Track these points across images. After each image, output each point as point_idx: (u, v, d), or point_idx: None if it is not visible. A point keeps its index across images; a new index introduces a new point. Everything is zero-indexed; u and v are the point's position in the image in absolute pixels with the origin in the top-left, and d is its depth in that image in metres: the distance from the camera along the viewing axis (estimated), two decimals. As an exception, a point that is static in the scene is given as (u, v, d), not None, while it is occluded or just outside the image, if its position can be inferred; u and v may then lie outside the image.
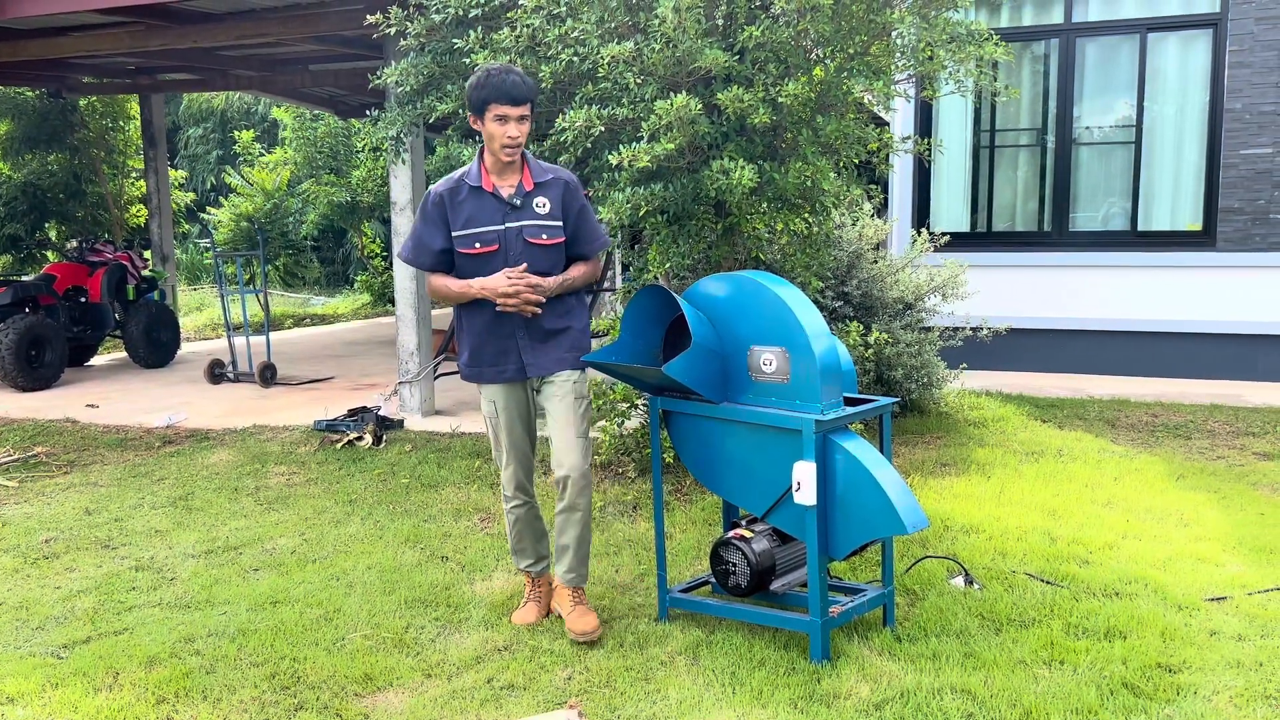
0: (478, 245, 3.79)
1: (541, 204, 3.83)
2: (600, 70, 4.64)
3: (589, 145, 4.75)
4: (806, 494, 3.52)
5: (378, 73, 5.53)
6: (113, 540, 5.28)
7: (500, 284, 3.75)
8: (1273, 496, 5.55)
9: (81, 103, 13.08)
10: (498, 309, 3.79)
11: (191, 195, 19.14)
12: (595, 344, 4.17)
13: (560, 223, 3.85)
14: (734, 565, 3.86)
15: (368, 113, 5.96)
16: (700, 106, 4.47)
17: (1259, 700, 3.34)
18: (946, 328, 7.51)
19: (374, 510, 5.61)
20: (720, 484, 3.92)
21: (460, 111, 5.22)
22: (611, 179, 4.90)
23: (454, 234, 3.81)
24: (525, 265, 3.78)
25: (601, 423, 5.74)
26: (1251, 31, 8.43)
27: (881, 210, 9.36)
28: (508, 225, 3.80)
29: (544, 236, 3.82)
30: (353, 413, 7.28)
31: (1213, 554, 4.63)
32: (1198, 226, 8.82)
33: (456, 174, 3.89)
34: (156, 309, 10.71)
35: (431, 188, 3.88)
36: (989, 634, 3.84)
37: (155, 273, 11.26)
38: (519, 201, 3.81)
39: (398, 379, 7.84)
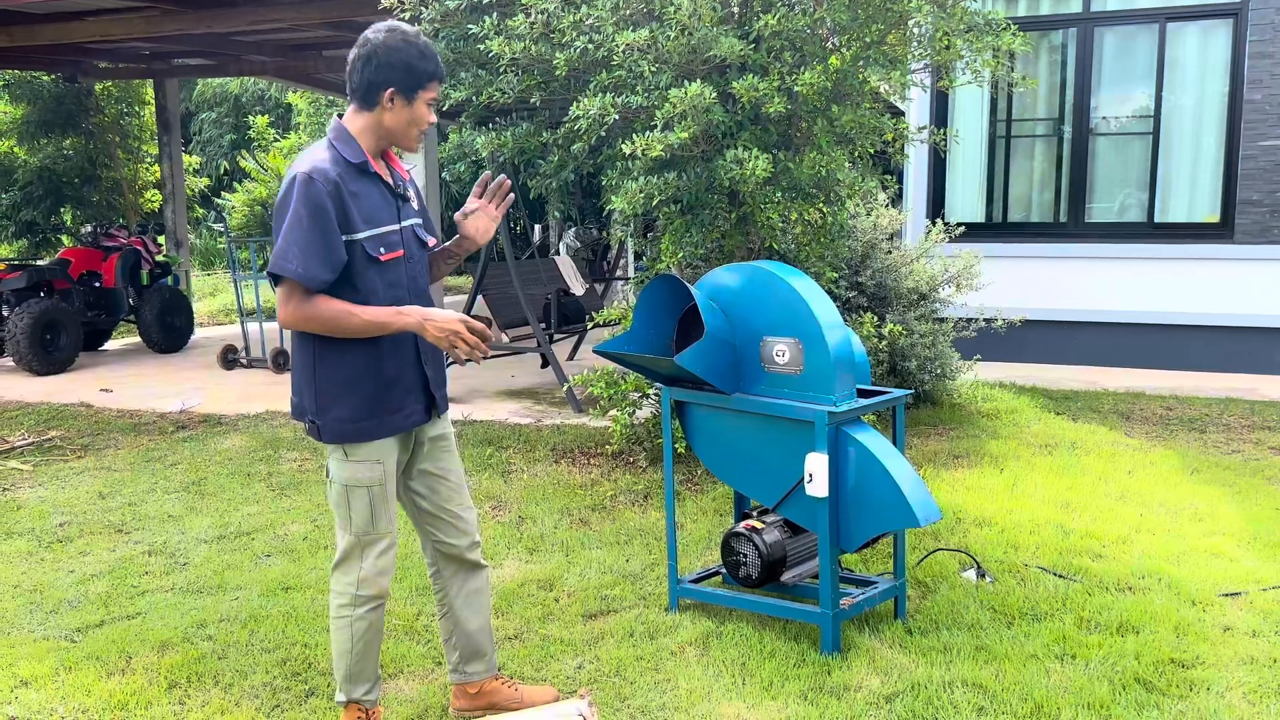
0: (384, 250, 2.89)
1: (412, 197, 3.07)
2: (615, 58, 4.62)
3: (603, 134, 4.73)
4: (819, 486, 3.51)
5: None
6: (126, 525, 5.31)
7: (452, 324, 2.83)
8: (1288, 491, 5.52)
9: (97, 88, 13.12)
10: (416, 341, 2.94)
11: (206, 180, 19.18)
12: (607, 334, 4.14)
13: (425, 220, 3.13)
14: (745, 556, 3.85)
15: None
16: (714, 95, 4.45)
17: (1273, 696, 3.32)
18: (961, 319, 7.48)
19: (385, 497, 5.62)
20: (732, 475, 3.91)
21: (473, 98, 5.21)
22: (625, 168, 4.88)
23: (357, 235, 2.85)
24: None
25: (613, 412, 5.74)
26: (1272, 21, 8.34)
27: (896, 200, 9.31)
28: (404, 223, 2.99)
29: (426, 237, 3.08)
30: (365, 399, 7.28)
31: (1227, 549, 4.61)
32: (1215, 218, 8.75)
33: (324, 151, 2.87)
34: (170, 294, 10.74)
35: (307, 170, 2.79)
36: (1001, 627, 3.82)
37: (169, 258, 11.30)
38: (401, 192, 3.00)
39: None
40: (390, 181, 2.97)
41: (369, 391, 2.91)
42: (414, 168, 7.48)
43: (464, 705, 3.32)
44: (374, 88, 2.86)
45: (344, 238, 2.81)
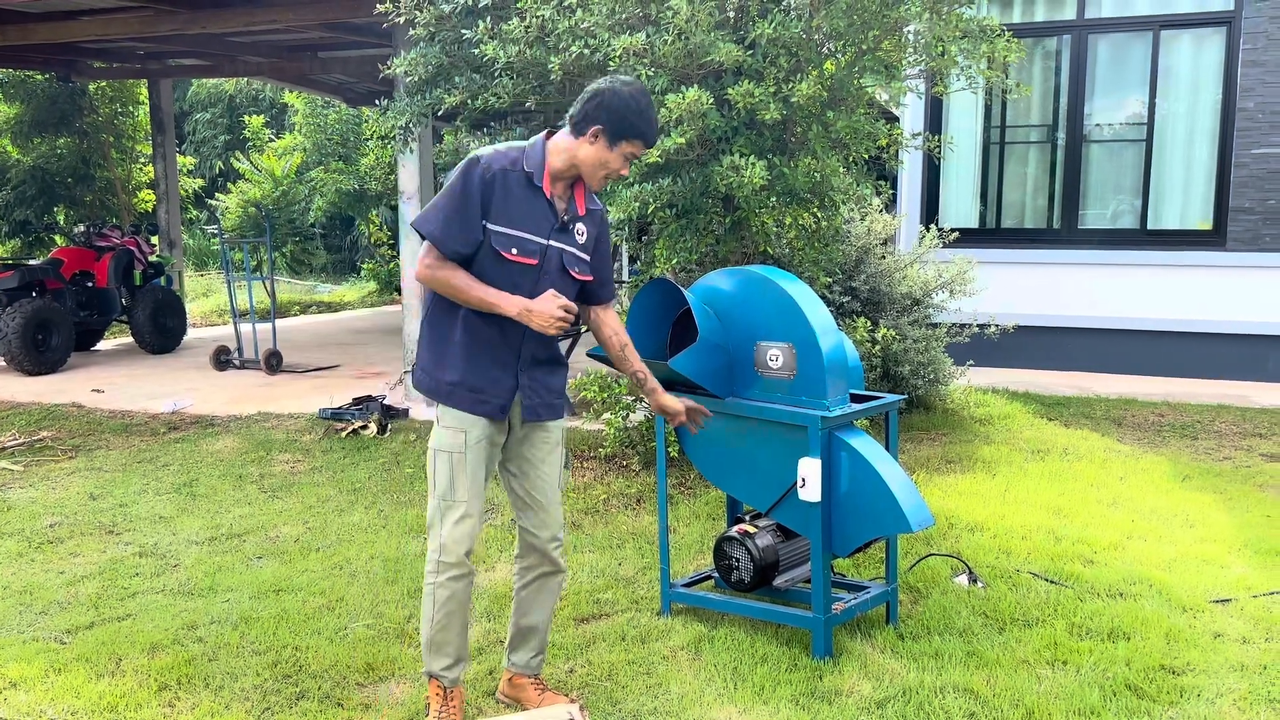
0: (515, 251, 3.09)
1: (582, 232, 3.23)
2: (611, 62, 4.62)
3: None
4: (812, 490, 3.51)
5: (387, 62, 5.51)
6: (117, 526, 5.29)
7: (550, 310, 3.06)
8: (1279, 499, 5.53)
9: (91, 87, 13.09)
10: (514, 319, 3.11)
11: (200, 181, 19.11)
12: None
13: (588, 258, 3.27)
14: (737, 560, 3.85)
15: (377, 102, 5.96)
16: (711, 100, 4.45)
17: (1263, 704, 3.33)
18: (954, 324, 7.49)
19: (378, 499, 5.61)
20: (725, 479, 3.91)
21: (469, 102, 5.21)
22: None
23: (493, 226, 3.07)
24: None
25: (606, 415, 5.74)
26: (1265, 30, 8.37)
27: (890, 205, 9.33)
28: (551, 243, 3.15)
29: (577, 270, 3.22)
30: (358, 401, 7.29)
31: (1218, 556, 4.62)
32: (1208, 225, 8.78)
33: (514, 153, 3.13)
34: (163, 294, 10.72)
35: (484, 155, 3.09)
36: (992, 633, 3.83)
37: (162, 258, 11.28)
38: (568, 220, 3.19)
39: (403, 368, 7.83)
40: (557, 204, 3.17)
41: (459, 365, 3.16)
42: (406, 169, 7.49)
43: (503, 689, 3.48)
44: (588, 120, 3.09)
45: (490, 226, 3.07)
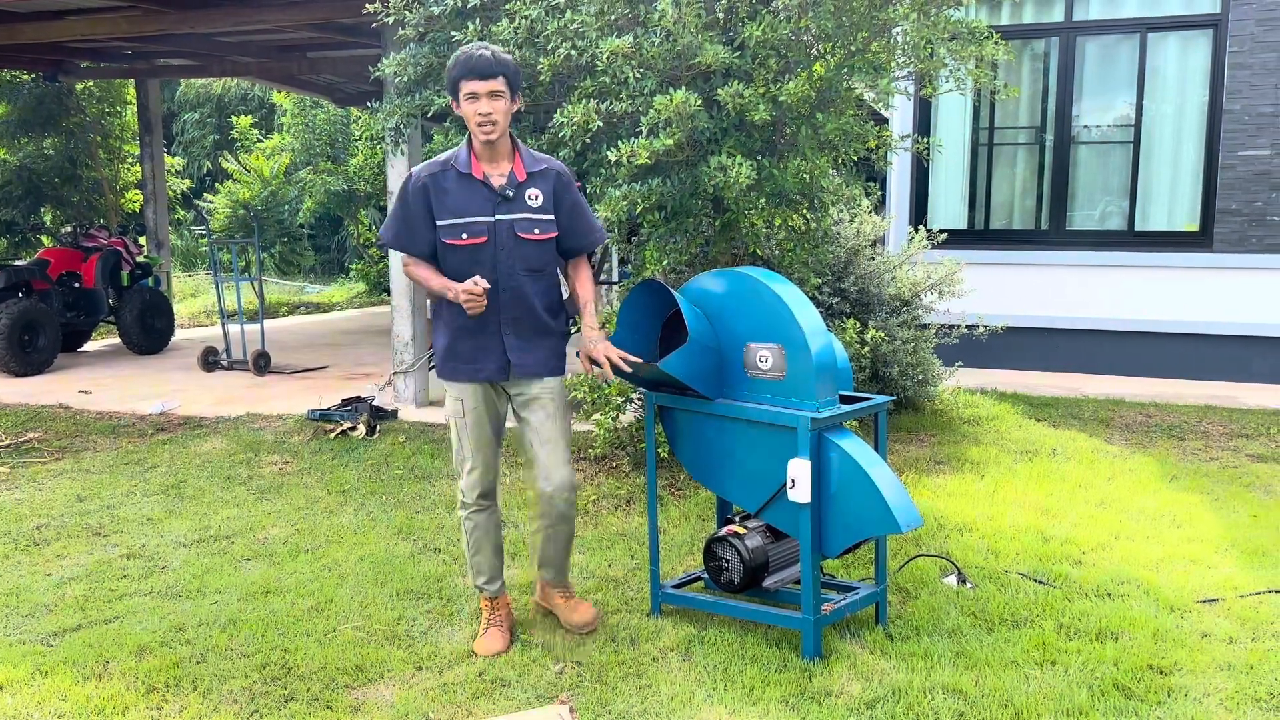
0: (464, 236, 3.59)
1: (534, 195, 3.64)
2: (599, 64, 4.62)
3: (587, 140, 4.73)
4: (801, 491, 3.51)
5: (377, 63, 5.50)
6: (104, 528, 5.27)
7: (463, 289, 3.52)
8: (1266, 499, 5.56)
9: (78, 87, 13.03)
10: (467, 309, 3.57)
11: (188, 182, 19.05)
12: None
13: (552, 217, 3.67)
14: (727, 561, 3.86)
15: (367, 103, 5.94)
16: (699, 102, 4.46)
17: (1250, 703, 3.35)
18: (943, 325, 7.51)
19: (367, 501, 5.60)
20: (715, 480, 3.91)
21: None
22: (609, 175, 4.88)
23: (439, 222, 3.60)
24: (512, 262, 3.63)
25: (596, 416, 5.73)
26: (1252, 33, 8.42)
27: (879, 207, 9.35)
28: (498, 217, 3.61)
29: (536, 231, 3.63)
30: (347, 402, 7.27)
31: (1205, 556, 4.64)
32: (1195, 227, 8.82)
33: (443, 157, 3.69)
34: (151, 295, 10.68)
35: (415, 170, 3.67)
36: (981, 633, 3.84)
37: (150, 259, 11.23)
38: (511, 192, 3.61)
39: (392, 369, 7.82)
40: (494, 183, 3.61)
41: (452, 343, 3.70)
42: (395, 170, 7.48)
43: (538, 597, 4.08)
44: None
45: (438, 223, 3.60)
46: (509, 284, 3.63)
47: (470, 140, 3.64)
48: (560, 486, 3.75)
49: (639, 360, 3.65)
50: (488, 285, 3.53)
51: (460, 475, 3.83)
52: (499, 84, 3.54)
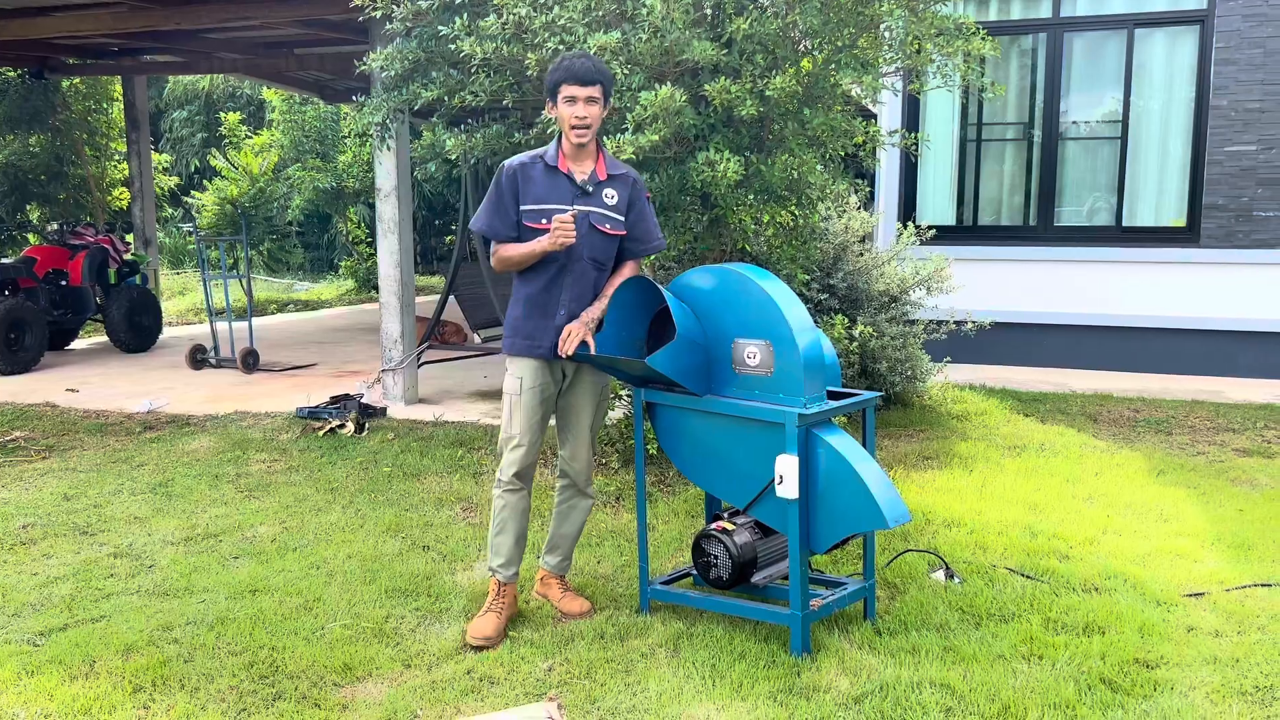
0: (544, 221, 3.81)
1: (610, 195, 3.89)
2: (587, 59, 4.60)
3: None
4: (789, 487, 3.52)
5: (364, 58, 5.48)
6: (91, 526, 5.24)
7: (555, 224, 3.73)
8: (1251, 493, 5.59)
9: (64, 84, 12.94)
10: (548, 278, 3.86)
11: (176, 180, 18.97)
12: None
13: (623, 217, 3.91)
14: (716, 557, 3.86)
15: (354, 98, 5.92)
16: (685, 98, 4.45)
17: (1235, 696, 3.36)
18: (931, 321, 7.52)
19: (355, 499, 5.59)
20: (703, 476, 3.91)
21: (445, 99, 5.20)
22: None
23: (523, 208, 3.85)
24: (585, 252, 3.87)
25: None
26: (1238, 29, 8.45)
27: (867, 203, 9.36)
28: (577, 207, 3.85)
29: (608, 226, 3.88)
30: (335, 400, 7.25)
31: (1191, 550, 4.66)
32: (1182, 223, 8.86)
33: (535, 151, 3.97)
34: (138, 293, 10.63)
35: (507, 161, 3.94)
36: (969, 628, 3.85)
37: (137, 256, 11.18)
38: (590, 188, 3.86)
39: (381, 366, 7.81)
40: (576, 178, 3.85)
41: (518, 320, 3.94)
42: (383, 165, 7.46)
43: (536, 588, 4.21)
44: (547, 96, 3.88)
45: (521, 208, 3.85)
46: (576, 268, 3.87)
47: (560, 140, 3.88)
48: (586, 465, 4.05)
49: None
50: (577, 212, 3.78)
51: (503, 452, 3.98)
52: (596, 91, 3.77)
